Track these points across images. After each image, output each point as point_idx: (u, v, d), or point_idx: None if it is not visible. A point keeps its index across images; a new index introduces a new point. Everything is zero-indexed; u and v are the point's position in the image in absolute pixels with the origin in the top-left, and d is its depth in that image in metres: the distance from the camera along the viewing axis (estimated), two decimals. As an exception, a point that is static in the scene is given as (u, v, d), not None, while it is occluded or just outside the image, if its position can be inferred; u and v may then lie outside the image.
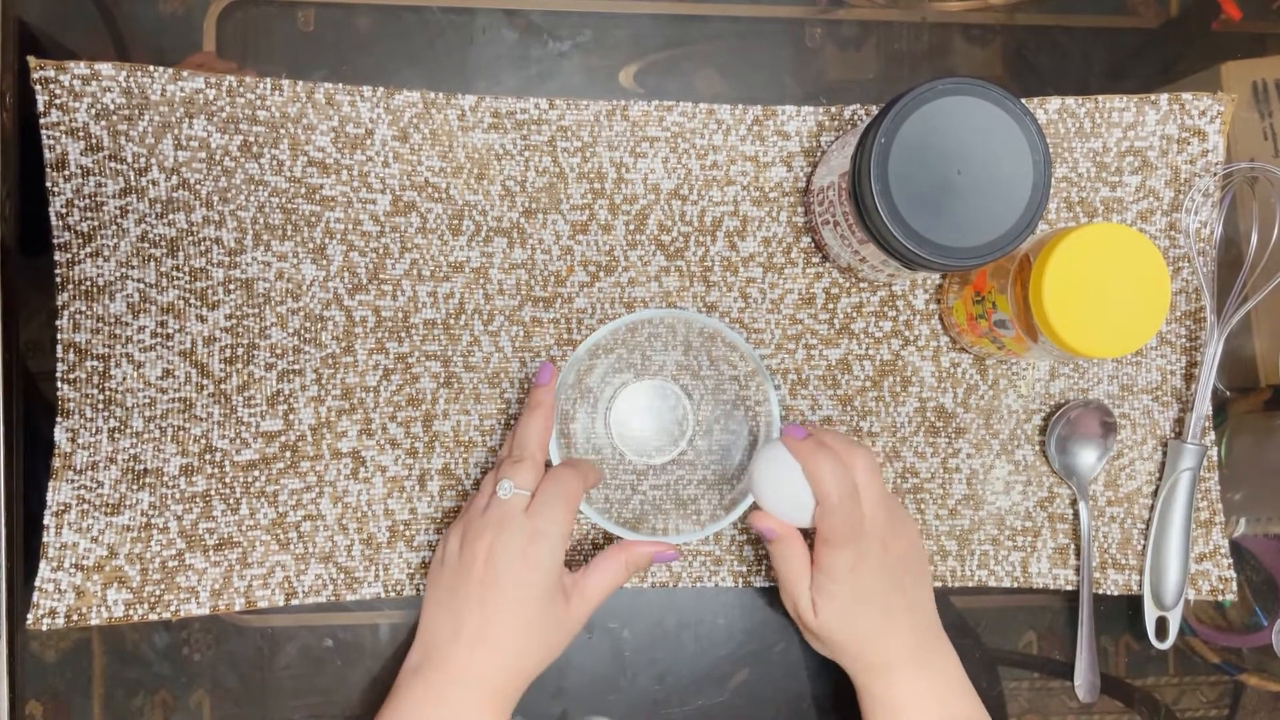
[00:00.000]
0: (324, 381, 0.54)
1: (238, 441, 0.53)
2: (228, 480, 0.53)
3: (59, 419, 0.52)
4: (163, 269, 0.53)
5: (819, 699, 0.57)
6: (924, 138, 0.45)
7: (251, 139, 0.54)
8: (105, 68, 0.52)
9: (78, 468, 0.52)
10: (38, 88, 0.52)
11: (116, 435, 0.52)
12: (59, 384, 0.52)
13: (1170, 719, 0.59)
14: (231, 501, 0.53)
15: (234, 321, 0.54)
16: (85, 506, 0.52)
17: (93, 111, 0.52)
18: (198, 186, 0.53)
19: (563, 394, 0.52)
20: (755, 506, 0.48)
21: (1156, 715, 0.59)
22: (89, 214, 0.52)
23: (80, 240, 0.52)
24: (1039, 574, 0.57)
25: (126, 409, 0.53)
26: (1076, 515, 0.57)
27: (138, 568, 0.52)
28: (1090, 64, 0.60)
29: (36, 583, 0.51)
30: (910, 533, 0.49)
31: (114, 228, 0.53)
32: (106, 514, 0.52)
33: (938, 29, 0.59)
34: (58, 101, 0.52)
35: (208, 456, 0.53)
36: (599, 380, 0.56)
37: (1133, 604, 0.58)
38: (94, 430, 0.52)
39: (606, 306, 0.56)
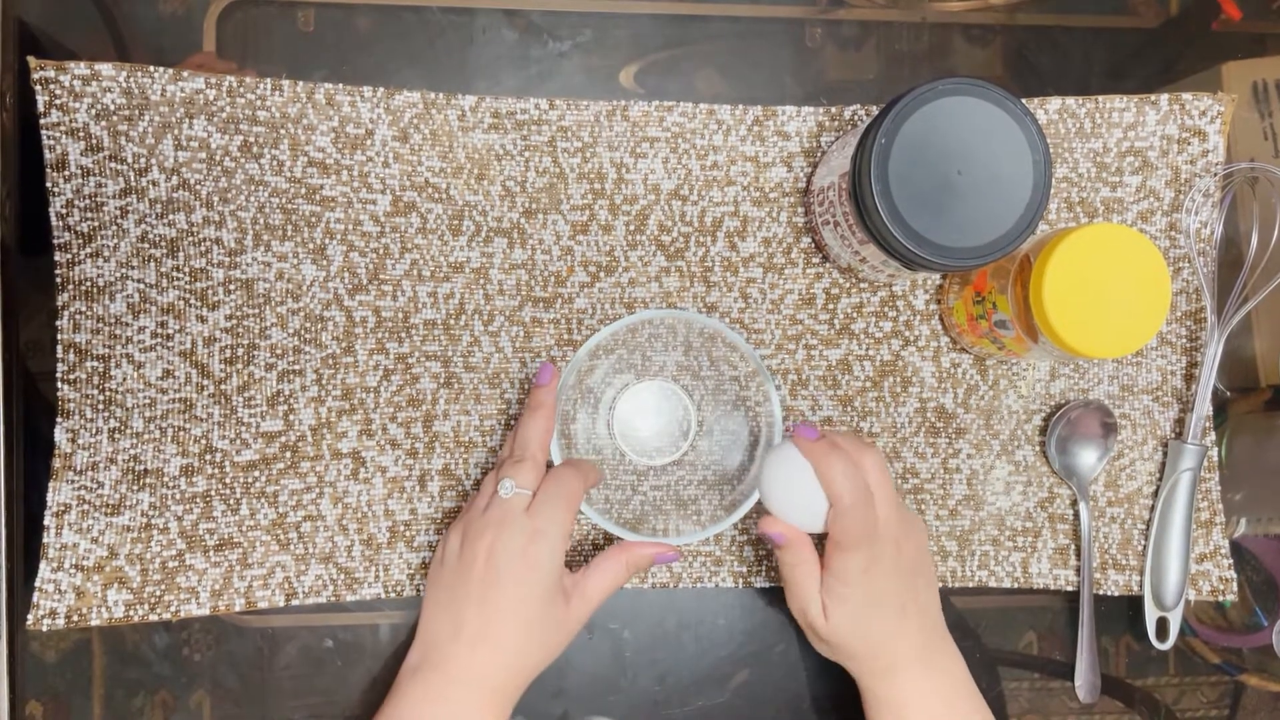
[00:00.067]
0: (324, 382, 0.54)
1: (238, 442, 0.53)
2: (228, 481, 0.53)
3: (59, 419, 0.52)
4: (163, 269, 0.53)
5: (819, 700, 0.57)
6: (924, 138, 0.45)
7: (252, 139, 0.54)
8: (105, 68, 0.52)
9: (78, 468, 0.52)
10: (38, 88, 0.52)
11: (117, 436, 0.52)
12: (59, 384, 0.52)
13: (1170, 719, 0.59)
14: (232, 502, 0.53)
15: (234, 322, 0.54)
16: (85, 507, 0.52)
17: (93, 112, 0.52)
18: (198, 187, 0.53)
19: (564, 395, 0.52)
20: (761, 510, 0.48)
21: (1157, 715, 0.59)
22: (89, 214, 0.52)
23: (80, 240, 0.52)
24: (1039, 574, 0.57)
25: (127, 409, 0.53)
26: (1077, 516, 0.57)
27: (138, 568, 0.52)
28: (1090, 64, 0.60)
29: (37, 583, 0.51)
30: (919, 534, 0.49)
31: (114, 228, 0.53)
32: (107, 514, 0.52)
33: (938, 29, 0.59)
34: (58, 102, 0.52)
35: (208, 457, 0.53)
36: (600, 381, 0.56)
37: (1133, 604, 0.58)
38: (94, 431, 0.52)
39: (607, 307, 0.56)
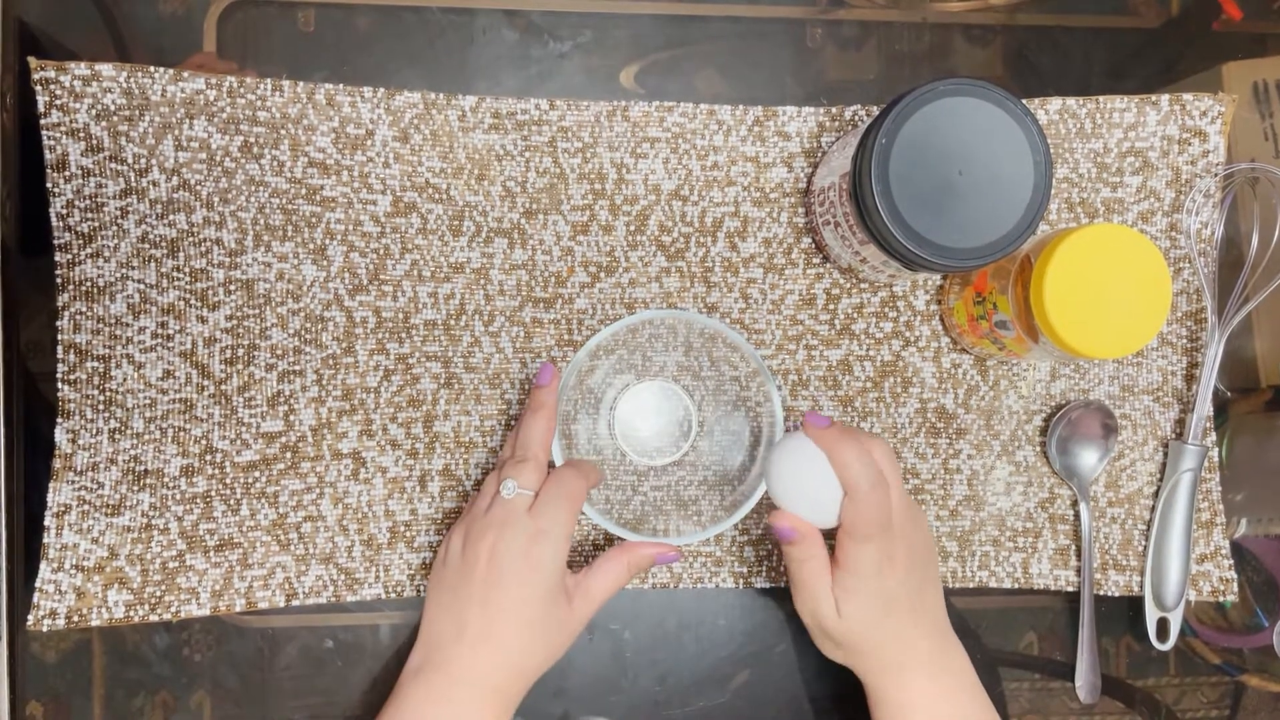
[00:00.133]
0: (324, 382, 0.54)
1: (238, 442, 0.53)
2: (228, 481, 0.53)
3: (59, 420, 0.52)
4: (163, 270, 0.53)
5: (819, 700, 0.56)
6: (925, 138, 0.45)
7: (252, 140, 0.54)
8: (106, 68, 0.52)
9: (78, 469, 0.52)
10: (38, 88, 0.52)
11: (117, 436, 0.52)
12: (59, 385, 0.52)
13: (1171, 719, 0.59)
14: (232, 502, 0.53)
15: (234, 322, 0.54)
16: (86, 507, 0.52)
17: (93, 112, 0.52)
18: (198, 187, 0.53)
19: (564, 395, 0.52)
20: (766, 509, 0.48)
21: (1157, 716, 0.59)
22: (89, 215, 0.52)
23: (81, 241, 0.52)
24: (1040, 575, 0.57)
25: (127, 410, 0.53)
26: (1077, 516, 0.57)
27: (138, 569, 0.52)
28: (1091, 64, 0.60)
29: (37, 584, 0.51)
30: (926, 528, 0.49)
31: (114, 228, 0.53)
32: (107, 515, 0.52)
33: (938, 29, 0.59)
34: (58, 102, 0.52)
35: (208, 457, 0.53)
36: (600, 381, 0.56)
37: (1134, 605, 0.58)
38: (94, 431, 0.52)
39: (607, 307, 0.56)
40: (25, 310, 0.53)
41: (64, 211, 0.52)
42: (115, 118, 0.52)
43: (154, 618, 0.52)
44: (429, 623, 0.47)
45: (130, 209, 0.53)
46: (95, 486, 0.52)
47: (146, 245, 0.53)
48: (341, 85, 0.54)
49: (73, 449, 0.52)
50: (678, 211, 0.56)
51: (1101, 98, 0.58)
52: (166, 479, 0.53)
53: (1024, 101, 0.45)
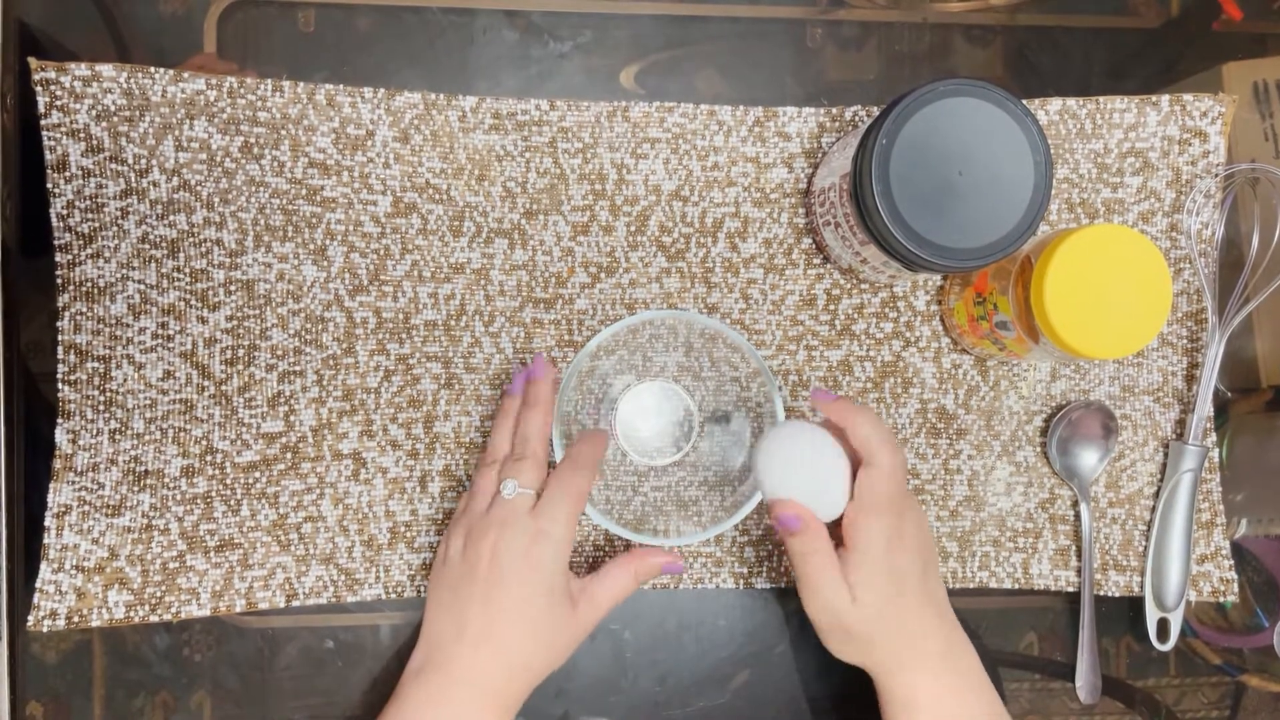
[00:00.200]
0: (325, 383, 0.54)
1: (239, 443, 0.53)
2: (229, 482, 0.53)
3: (60, 420, 0.52)
4: (163, 270, 0.53)
5: (819, 700, 0.56)
6: (925, 139, 0.45)
7: (252, 140, 0.54)
8: (106, 69, 0.52)
9: (78, 469, 0.52)
10: (39, 89, 0.52)
11: (117, 436, 0.52)
12: (60, 385, 0.52)
13: (1171, 719, 0.59)
14: (232, 503, 0.53)
15: (235, 323, 0.54)
16: (86, 508, 0.52)
17: (94, 113, 0.52)
18: (199, 188, 0.53)
19: (565, 396, 0.52)
20: (769, 498, 0.47)
21: (1158, 716, 0.59)
22: (90, 215, 0.52)
23: (81, 241, 0.52)
24: (1040, 575, 0.57)
25: (127, 410, 0.53)
26: (1078, 516, 0.57)
27: (138, 569, 0.52)
28: (1091, 64, 0.60)
29: (37, 584, 0.51)
30: (923, 511, 0.48)
31: (115, 229, 0.53)
32: (107, 515, 0.52)
33: (939, 30, 0.59)
34: (59, 103, 0.52)
35: (209, 458, 0.53)
36: (600, 382, 0.56)
37: (1134, 605, 0.58)
38: (95, 432, 0.52)
39: (607, 308, 0.56)
40: (25, 311, 0.53)
41: (64, 212, 0.52)
42: (115, 118, 0.52)
43: (154, 618, 0.52)
44: (430, 623, 0.47)
45: (131, 209, 0.53)
46: (96, 487, 0.52)
47: (147, 246, 0.53)
48: (342, 86, 0.54)
49: (73, 449, 0.52)
50: (678, 212, 0.56)
51: (1102, 98, 0.58)
52: (167, 479, 0.53)
53: (1024, 102, 0.45)
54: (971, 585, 0.57)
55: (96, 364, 0.52)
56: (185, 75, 0.53)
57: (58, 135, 0.52)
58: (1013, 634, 0.58)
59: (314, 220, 0.54)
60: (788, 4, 0.58)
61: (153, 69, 0.53)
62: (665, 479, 0.56)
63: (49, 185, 0.52)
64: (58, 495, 0.52)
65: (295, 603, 0.54)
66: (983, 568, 0.57)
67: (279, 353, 0.54)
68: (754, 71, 0.58)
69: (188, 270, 0.53)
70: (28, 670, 0.53)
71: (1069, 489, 0.58)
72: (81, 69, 0.52)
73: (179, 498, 0.53)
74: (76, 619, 0.52)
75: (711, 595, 0.56)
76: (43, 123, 0.52)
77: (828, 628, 0.47)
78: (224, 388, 0.53)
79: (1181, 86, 0.60)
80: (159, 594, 0.52)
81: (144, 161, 0.53)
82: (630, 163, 0.56)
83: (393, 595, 0.54)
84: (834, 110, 0.57)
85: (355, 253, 0.55)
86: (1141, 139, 0.58)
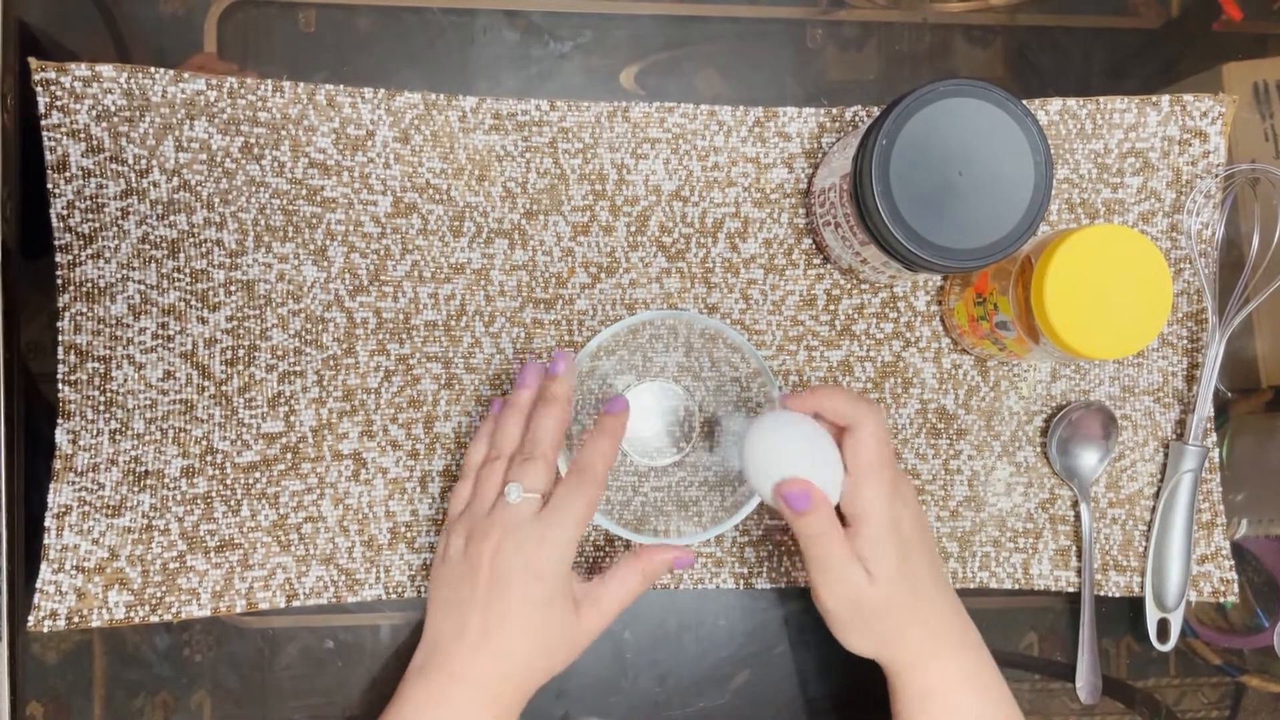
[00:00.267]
0: (325, 383, 0.54)
1: (239, 443, 0.53)
2: (229, 482, 0.53)
3: (60, 421, 0.52)
4: (164, 270, 0.53)
5: (819, 701, 0.56)
6: (925, 139, 0.45)
7: (252, 140, 0.54)
8: (106, 69, 0.52)
9: (79, 469, 0.52)
10: (39, 89, 0.52)
11: (117, 437, 0.52)
12: (60, 386, 0.52)
13: (1171, 719, 0.59)
14: (233, 503, 0.53)
15: (235, 323, 0.54)
16: (86, 508, 0.52)
17: (94, 113, 0.52)
18: (199, 188, 0.53)
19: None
20: (768, 512, 0.47)
21: (1158, 716, 0.59)
22: (90, 216, 0.52)
23: (81, 242, 0.52)
24: (1040, 575, 0.57)
25: (127, 410, 0.53)
26: (1078, 517, 0.57)
27: (139, 569, 0.52)
28: (1091, 65, 0.60)
29: (37, 585, 0.51)
30: (908, 479, 0.49)
31: (115, 229, 0.53)
32: (107, 516, 0.52)
33: (939, 30, 0.59)
34: (59, 103, 0.52)
35: (209, 458, 0.53)
36: (601, 382, 0.56)
37: (1134, 605, 0.58)
38: (95, 432, 0.52)
39: (608, 308, 0.56)
40: (26, 311, 0.53)
41: (64, 212, 0.52)
42: (116, 118, 0.52)
43: (154, 618, 0.52)
44: (431, 622, 0.47)
45: (131, 210, 0.53)
46: (96, 487, 0.52)
47: (147, 246, 0.53)
48: (342, 86, 0.54)
49: (73, 450, 0.52)
50: (678, 212, 0.56)
51: (1102, 98, 0.58)
52: (167, 480, 0.53)
53: (1024, 102, 0.45)
54: (972, 585, 0.57)
55: (97, 364, 0.52)
56: (185, 75, 0.53)
57: (58, 135, 0.52)
58: (1013, 634, 0.58)
59: (314, 220, 0.54)
60: (788, 4, 0.58)
61: (153, 69, 0.53)
62: (665, 479, 0.56)
63: (49, 185, 0.52)
64: (58, 495, 0.52)
65: (295, 603, 0.54)
66: (983, 568, 0.57)
67: (279, 353, 0.54)
68: (754, 72, 0.58)
69: (188, 270, 0.53)
70: (28, 670, 0.53)
71: (1069, 489, 0.58)
72: (82, 69, 0.52)
73: (179, 498, 0.53)
74: (77, 619, 0.52)
75: (711, 595, 0.56)
76: (43, 123, 0.52)
77: (846, 616, 0.46)
78: (224, 388, 0.53)
79: (1182, 87, 0.60)
80: (159, 594, 0.52)
81: (144, 162, 0.53)
82: (630, 163, 0.56)
83: (393, 595, 0.54)
84: (834, 110, 0.57)
85: (355, 253, 0.55)
86: (1142, 139, 0.58)
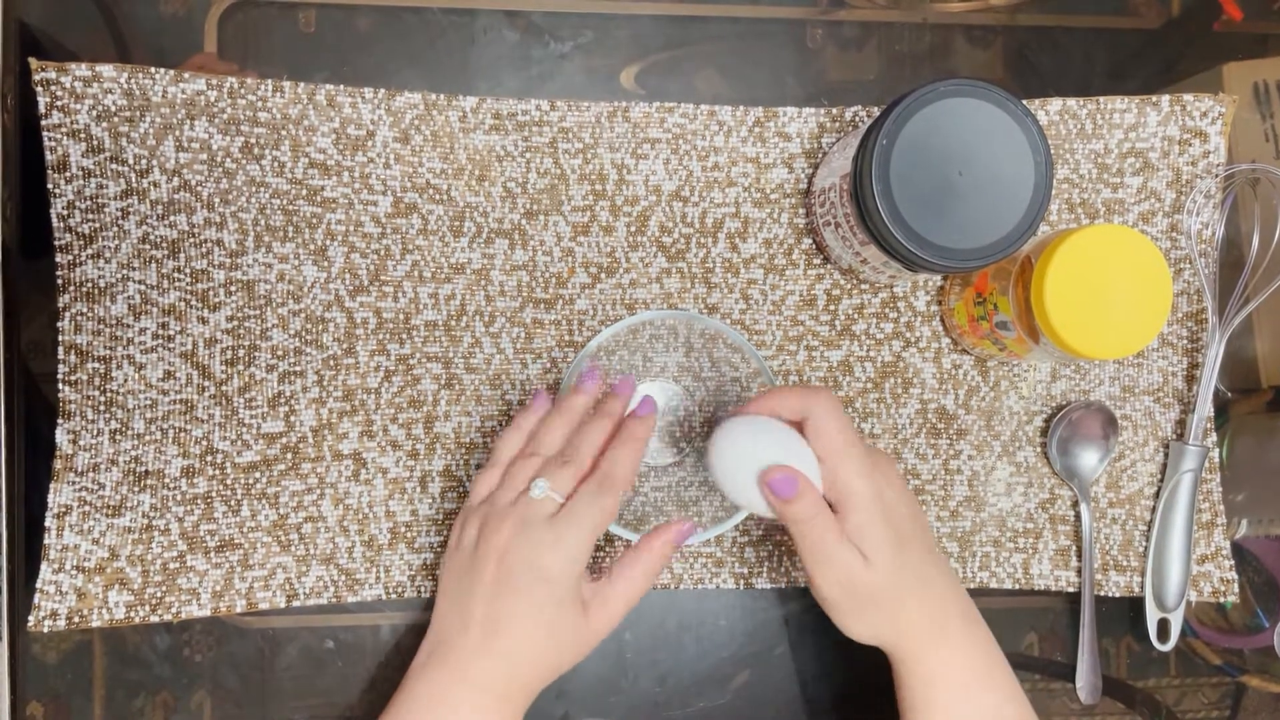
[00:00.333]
0: (325, 383, 0.54)
1: (239, 443, 0.53)
2: (229, 482, 0.53)
3: (60, 421, 0.52)
4: (164, 270, 0.53)
5: (819, 701, 0.56)
6: (925, 139, 0.45)
7: (253, 140, 0.54)
8: (106, 69, 0.52)
9: (79, 469, 0.52)
10: (39, 89, 0.52)
11: (118, 437, 0.52)
12: (60, 386, 0.52)
13: (1172, 720, 0.59)
14: (233, 503, 0.53)
15: (235, 323, 0.54)
16: (86, 508, 0.52)
17: (94, 113, 0.52)
18: (199, 188, 0.53)
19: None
20: (735, 497, 0.46)
21: (1158, 716, 0.59)
22: (90, 216, 0.52)
23: (81, 242, 0.52)
24: (1040, 575, 0.57)
25: (128, 410, 0.53)
26: (1078, 517, 0.57)
27: (139, 569, 0.52)
28: (1091, 65, 0.60)
29: (38, 584, 0.51)
30: (890, 457, 0.48)
31: (115, 229, 0.53)
32: (108, 516, 0.52)
33: (939, 30, 0.59)
34: (59, 103, 0.52)
35: (209, 458, 0.53)
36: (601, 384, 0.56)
37: (1134, 605, 0.58)
38: (95, 432, 0.52)
39: (608, 308, 0.56)
40: (26, 311, 0.53)
41: (65, 212, 0.52)
42: (116, 119, 0.52)
43: (155, 618, 0.52)
44: (438, 612, 0.46)
45: (131, 210, 0.53)
46: (96, 487, 0.52)
47: (147, 246, 0.53)
48: (342, 86, 0.54)
49: (73, 450, 0.52)
50: (678, 212, 0.56)
51: (1102, 98, 0.58)
52: (167, 480, 0.53)
53: (1024, 102, 0.45)
54: (972, 585, 0.57)
55: (97, 364, 0.52)
56: (186, 75, 0.53)
57: (58, 135, 0.52)
58: (1013, 634, 0.58)
59: (314, 220, 0.54)
60: (788, 4, 0.58)
61: (153, 69, 0.53)
62: (665, 479, 0.56)
63: (49, 186, 0.52)
64: (58, 495, 0.52)
65: (295, 603, 0.54)
66: (983, 568, 0.57)
67: (279, 353, 0.54)
68: (754, 72, 0.58)
69: (188, 270, 0.53)
70: (28, 670, 0.53)
71: (1069, 489, 0.58)
72: (82, 69, 0.52)
73: (179, 498, 0.53)
74: (77, 619, 0.52)
75: (712, 595, 0.56)
76: (43, 123, 0.52)
77: (843, 601, 0.45)
78: (224, 388, 0.53)
79: (1182, 87, 0.60)
80: (159, 594, 0.52)
81: (144, 162, 0.53)
82: (630, 163, 0.56)
83: (393, 595, 0.54)
84: (834, 110, 0.57)
85: (356, 253, 0.55)
86: (1142, 139, 0.58)
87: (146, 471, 0.53)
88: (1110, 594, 0.58)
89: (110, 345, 0.53)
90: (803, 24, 0.58)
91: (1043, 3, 0.60)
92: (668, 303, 0.56)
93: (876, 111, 0.56)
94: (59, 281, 0.52)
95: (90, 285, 0.52)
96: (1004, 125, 0.45)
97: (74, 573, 0.52)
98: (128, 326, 0.53)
